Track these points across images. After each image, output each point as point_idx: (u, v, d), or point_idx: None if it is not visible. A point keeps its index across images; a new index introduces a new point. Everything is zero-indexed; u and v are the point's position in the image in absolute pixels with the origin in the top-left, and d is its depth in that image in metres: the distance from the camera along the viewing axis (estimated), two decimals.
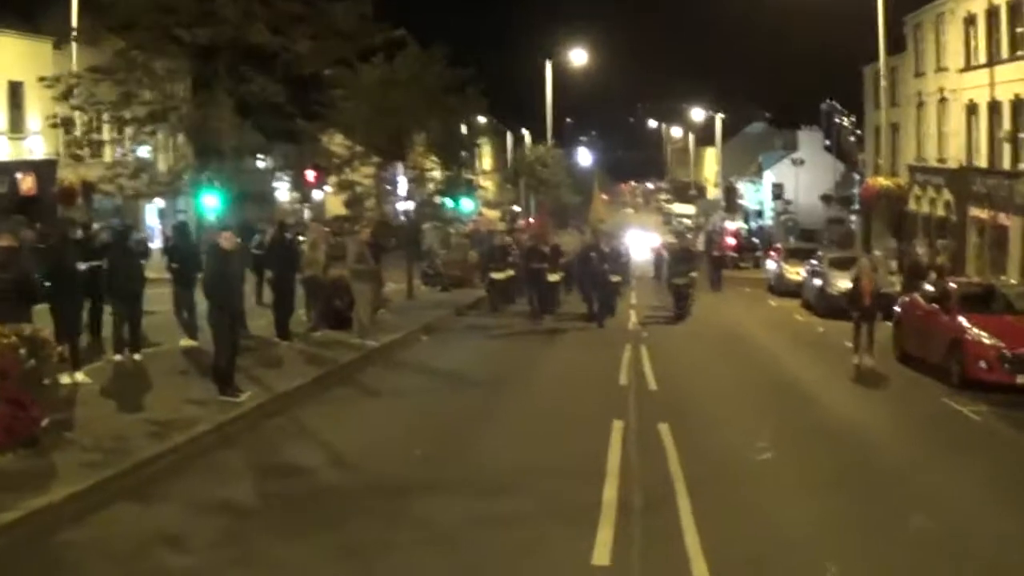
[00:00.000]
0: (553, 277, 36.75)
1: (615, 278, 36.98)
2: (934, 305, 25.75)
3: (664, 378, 23.51)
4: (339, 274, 28.46)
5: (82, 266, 21.39)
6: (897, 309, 28.08)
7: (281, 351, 24.74)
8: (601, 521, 12.46)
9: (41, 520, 12.07)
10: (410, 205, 44.92)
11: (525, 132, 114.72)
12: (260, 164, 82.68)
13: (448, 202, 57.91)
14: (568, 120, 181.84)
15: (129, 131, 26.74)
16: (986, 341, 22.68)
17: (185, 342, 24.23)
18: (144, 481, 13.98)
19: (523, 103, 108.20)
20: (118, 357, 22.02)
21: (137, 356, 22.33)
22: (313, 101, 27.50)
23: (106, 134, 30.28)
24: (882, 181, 49.60)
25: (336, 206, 66.29)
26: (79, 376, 19.50)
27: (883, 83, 49.33)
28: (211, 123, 25.21)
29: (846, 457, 16.74)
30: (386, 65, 36.35)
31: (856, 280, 26.51)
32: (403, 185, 43.30)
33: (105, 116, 26.57)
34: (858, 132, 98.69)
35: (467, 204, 68.42)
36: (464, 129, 49.38)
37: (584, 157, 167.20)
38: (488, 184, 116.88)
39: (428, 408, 20.04)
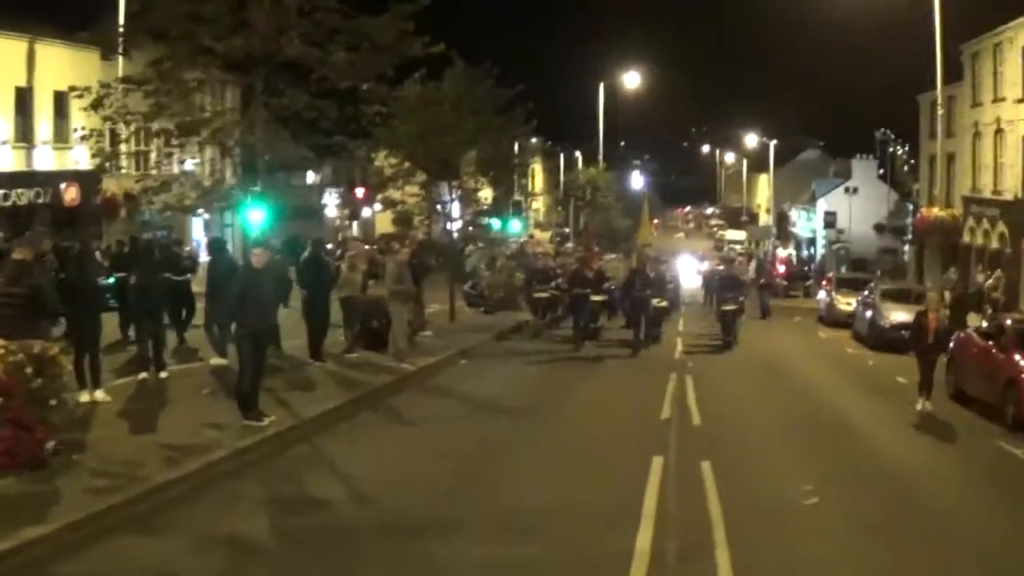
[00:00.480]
0: (596, 298, 35.79)
1: (660, 304, 36.03)
2: (989, 342, 24.65)
3: (708, 412, 22.54)
4: (378, 294, 27.77)
5: (110, 279, 20.87)
6: (950, 344, 26.96)
7: (313, 372, 24.08)
8: (632, 574, 11.58)
9: (35, 551, 11.42)
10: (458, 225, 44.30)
11: (577, 154, 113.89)
12: (309, 179, 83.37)
13: (495, 223, 57.51)
14: (622, 143, 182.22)
15: (159, 142, 26.02)
16: None
17: (215, 360, 23.67)
18: (150, 510, 13.27)
19: (576, 125, 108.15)
20: (143, 375, 21.50)
21: (163, 374, 21.87)
22: (356, 118, 26.68)
23: (145, 145, 29.69)
24: (936, 212, 48.69)
25: (385, 224, 66.00)
26: (98, 394, 18.94)
27: (939, 112, 48.45)
28: (247, 137, 24.50)
29: (897, 504, 15.72)
30: (433, 83, 35.74)
31: (921, 315, 24.93)
32: (454, 205, 42.44)
33: (133, 127, 25.74)
34: (912, 162, 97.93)
35: (515, 225, 67.86)
36: (515, 149, 48.59)
37: (636, 180, 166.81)
38: (539, 205, 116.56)
39: (459, 437, 19.20)
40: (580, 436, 19.86)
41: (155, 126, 24.89)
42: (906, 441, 20.93)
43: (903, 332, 35.73)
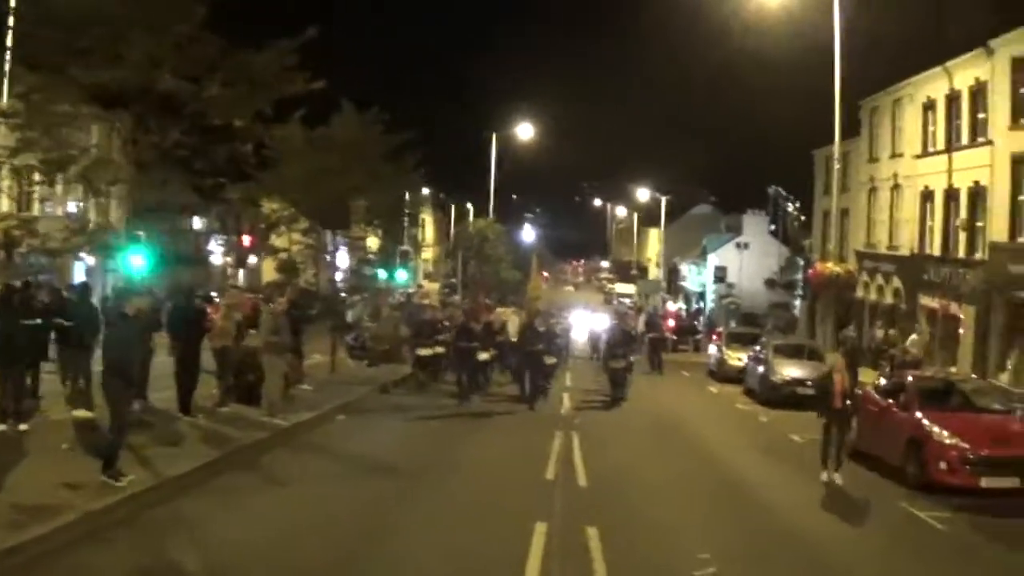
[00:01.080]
0: (483, 356, 34.72)
1: (549, 360, 35.00)
2: (889, 400, 23.95)
3: (596, 472, 21.46)
4: (254, 345, 26.45)
5: None
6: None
7: (182, 427, 22.62)
8: None
9: None
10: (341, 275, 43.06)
11: (469, 205, 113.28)
12: (196, 225, 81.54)
13: (381, 272, 56.19)
14: (513, 196, 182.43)
15: (27, 180, 24.54)
16: (947, 441, 20.90)
17: (79, 413, 22.16)
18: None
19: (468, 177, 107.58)
20: (1, 427, 20.40)
21: (23, 426, 20.65)
22: (234, 158, 25.46)
23: (12, 182, 28.08)
24: (831, 267, 48.21)
25: (272, 272, 64.49)
26: None
27: (836, 166, 48.18)
28: (118, 174, 23.13)
29: (798, 574, 14.82)
30: (321, 128, 34.65)
31: (825, 378, 23.34)
32: (339, 253, 41.18)
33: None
34: (802, 218, 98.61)
35: (402, 275, 66.48)
36: (405, 197, 47.53)
37: (528, 234, 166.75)
38: (429, 256, 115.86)
39: (330, 501, 17.87)
40: (461, 498, 18.68)
41: (16, 162, 23.42)
42: (807, 504, 19.87)
43: (796, 388, 35.75)
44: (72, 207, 59.10)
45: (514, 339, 36.64)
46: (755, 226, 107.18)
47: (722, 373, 47.99)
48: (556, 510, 17.58)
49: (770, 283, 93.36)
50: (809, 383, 36.05)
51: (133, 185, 23.20)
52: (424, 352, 36.48)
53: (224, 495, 17.72)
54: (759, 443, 28.16)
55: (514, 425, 29.35)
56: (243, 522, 16.04)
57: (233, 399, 26.05)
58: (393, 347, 42.26)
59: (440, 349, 36.19)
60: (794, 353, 40.00)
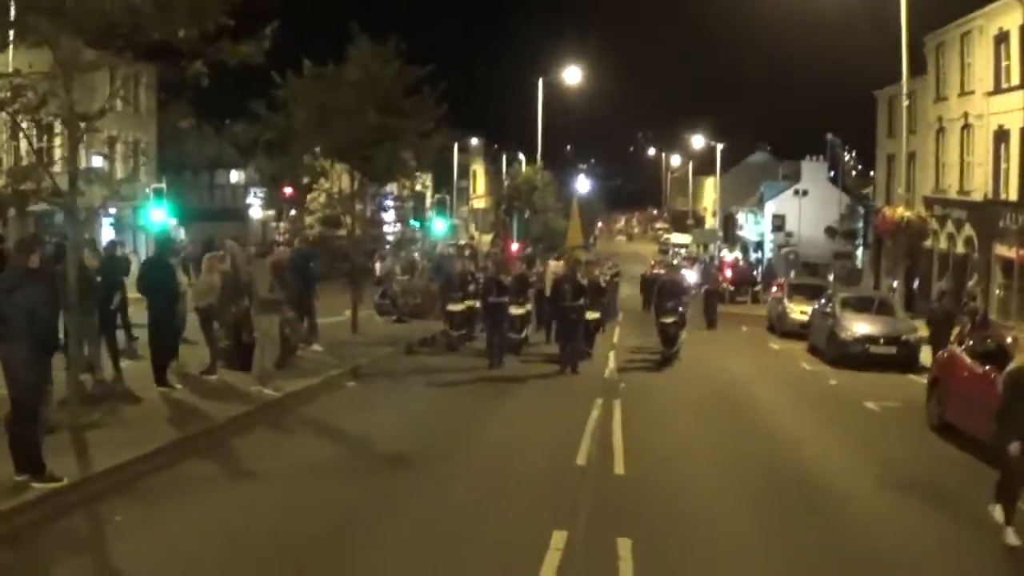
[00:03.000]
0: (517, 312, 31.22)
1: (592, 316, 31.37)
2: (986, 365, 19.92)
3: (636, 455, 17.78)
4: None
5: None
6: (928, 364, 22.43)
7: (151, 402, 19.25)
8: None
9: None
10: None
11: (521, 156, 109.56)
12: (233, 179, 78.67)
13: (414, 223, 52.95)
14: (568, 147, 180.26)
15: None
16: None
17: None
18: None
19: (521, 128, 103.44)
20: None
21: None
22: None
23: None
24: (901, 212, 44.35)
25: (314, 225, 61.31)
26: None
27: (904, 102, 44.16)
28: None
29: None
30: (333, 66, 31.11)
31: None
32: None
33: None
34: (859, 167, 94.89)
35: (439, 226, 62.81)
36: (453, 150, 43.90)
37: (583, 184, 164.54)
38: (481, 207, 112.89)
39: (306, 500, 14.35)
40: (468, 496, 14.97)
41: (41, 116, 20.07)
42: (894, 505, 15.68)
43: (868, 347, 32.18)
44: (97, 161, 56.52)
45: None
46: (814, 173, 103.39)
47: (783, 327, 44.36)
48: (582, 512, 13.98)
49: (830, 231, 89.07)
50: (882, 340, 32.75)
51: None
52: (454, 308, 33.01)
53: (163, 494, 14.20)
54: (829, 412, 24.47)
55: (548, 392, 25.65)
56: (171, 532, 12.60)
57: (236, 365, 22.90)
58: (425, 302, 38.86)
59: (473, 304, 32.59)
60: (864, 307, 36.21)
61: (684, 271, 50.09)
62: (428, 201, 71.88)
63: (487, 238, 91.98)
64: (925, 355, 31.83)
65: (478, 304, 31.83)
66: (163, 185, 56.56)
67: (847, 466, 18.20)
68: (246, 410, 19.39)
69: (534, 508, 14.13)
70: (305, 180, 37.73)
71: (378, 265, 43.76)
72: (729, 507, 14.99)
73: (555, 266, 37.93)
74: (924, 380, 24.83)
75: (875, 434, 21.37)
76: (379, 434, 19.03)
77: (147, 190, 56.42)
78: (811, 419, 23.44)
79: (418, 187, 58.81)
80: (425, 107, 31.76)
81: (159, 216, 53.90)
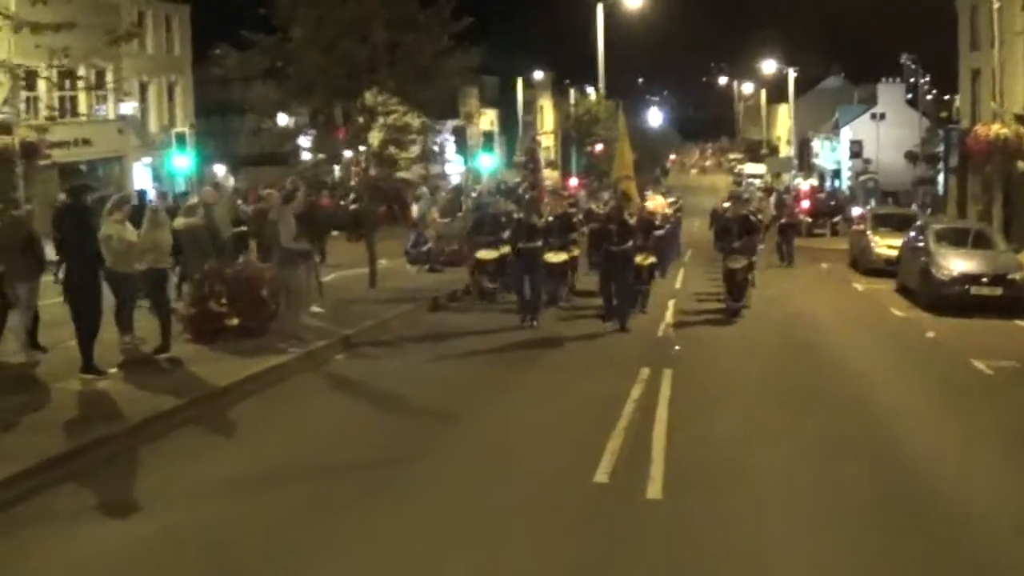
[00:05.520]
0: (555, 259, 26.37)
1: (646, 261, 26.63)
2: None
3: (682, 463, 12.83)
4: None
5: None
6: None
7: (61, 395, 15.16)
8: None
9: None
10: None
11: (590, 90, 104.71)
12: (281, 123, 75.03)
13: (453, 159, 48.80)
14: (640, 80, 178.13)
15: None
16: None
17: None
18: None
19: (592, 63, 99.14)
20: None
21: None
22: None
23: None
24: (996, 129, 39.30)
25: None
26: None
27: (996, 4, 38.99)
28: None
29: None
30: None
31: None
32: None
33: None
34: (934, 91, 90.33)
35: (486, 161, 57.71)
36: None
37: (655, 117, 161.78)
38: (549, 145, 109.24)
39: (195, 539, 10.05)
40: (429, 545, 10.17)
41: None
42: None
43: (970, 287, 27.61)
44: (127, 108, 52.89)
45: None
46: (891, 95, 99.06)
47: (867, 264, 39.78)
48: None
49: (911, 156, 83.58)
50: (985, 280, 27.91)
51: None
52: (485, 255, 28.46)
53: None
54: (933, 378, 19.54)
55: (582, 361, 20.69)
56: None
57: (203, 338, 19.29)
58: (463, 249, 34.31)
59: (507, 250, 27.74)
60: (959, 239, 31.23)
61: (756, 204, 44.91)
62: (494, 138, 68.44)
63: (555, 174, 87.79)
64: None
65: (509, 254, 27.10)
66: (186, 130, 52.67)
67: (969, 466, 13.32)
68: (174, 405, 14.88)
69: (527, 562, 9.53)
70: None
71: (415, 207, 39.27)
72: (806, 542, 10.27)
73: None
74: None
75: (996, 413, 16.53)
76: (347, 432, 14.65)
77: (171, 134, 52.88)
78: (914, 392, 18.34)
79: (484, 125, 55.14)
80: (441, 20, 27.60)
81: (183, 163, 50.30)
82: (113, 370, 16.61)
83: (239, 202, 35.30)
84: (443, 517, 10.87)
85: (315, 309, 23.29)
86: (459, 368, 19.81)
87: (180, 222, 21.16)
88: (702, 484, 12.25)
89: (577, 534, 10.40)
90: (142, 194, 39.33)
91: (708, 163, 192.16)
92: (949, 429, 15.43)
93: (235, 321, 19.63)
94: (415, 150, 30.32)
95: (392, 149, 29.44)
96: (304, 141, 31.48)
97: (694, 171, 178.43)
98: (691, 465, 12.96)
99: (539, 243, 25.01)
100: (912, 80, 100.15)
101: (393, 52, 27.81)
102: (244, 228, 26.01)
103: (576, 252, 28.73)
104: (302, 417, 15.50)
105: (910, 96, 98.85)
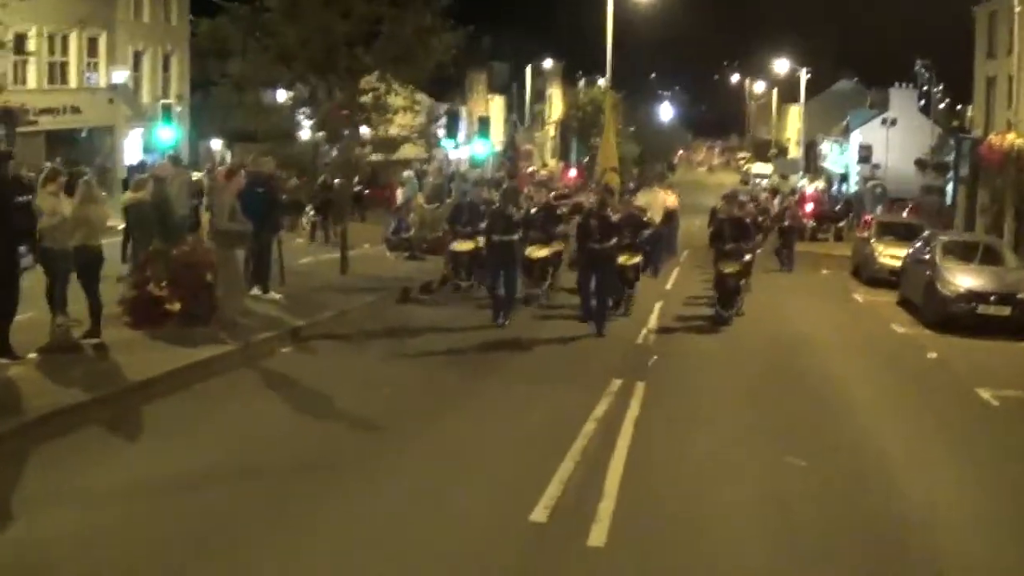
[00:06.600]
0: (537, 253, 24.93)
1: (630, 261, 24.98)
2: None
3: (635, 502, 11.06)
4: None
5: None
6: None
7: None
8: None
9: None
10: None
11: (600, 81, 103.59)
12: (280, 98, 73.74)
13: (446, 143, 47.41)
14: (652, 76, 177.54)
15: None
16: None
17: None
18: None
19: (603, 54, 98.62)
20: None
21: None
22: None
23: None
24: (1012, 139, 37.83)
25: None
26: None
27: (1017, 8, 37.48)
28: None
29: None
30: None
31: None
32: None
33: None
34: (947, 100, 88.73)
35: (479, 148, 56.16)
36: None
37: (666, 111, 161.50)
38: (554, 133, 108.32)
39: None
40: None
41: None
42: None
43: (976, 305, 25.89)
44: (119, 77, 51.53)
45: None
46: (903, 101, 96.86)
47: (869, 272, 38.07)
48: None
49: (920, 164, 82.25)
50: (993, 298, 26.15)
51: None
52: (461, 247, 26.77)
53: None
54: (935, 408, 17.66)
55: (551, 367, 19.15)
56: None
57: (144, 323, 17.89)
58: (446, 236, 32.81)
59: (483, 242, 26.05)
60: (968, 254, 29.46)
61: (754, 205, 43.13)
62: (501, 126, 67.18)
63: (556, 164, 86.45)
64: None
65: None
66: (172, 101, 51.37)
67: (979, 529, 11.55)
68: (81, 400, 13.26)
69: None
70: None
71: (399, 192, 37.79)
72: None
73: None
74: None
75: (1005, 450, 14.82)
76: (248, 443, 12.93)
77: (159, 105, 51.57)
78: (910, 422, 16.56)
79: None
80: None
81: (167, 136, 48.89)
82: (32, 355, 15.18)
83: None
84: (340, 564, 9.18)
85: (274, 296, 21.92)
86: (410, 371, 17.99)
87: (126, 197, 19.92)
88: (652, 531, 10.48)
89: None
90: (142, 164, 38.99)
91: (716, 161, 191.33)
92: (947, 474, 13.63)
93: (176, 306, 18.19)
94: (394, 131, 28.82)
95: (367, 130, 28.12)
96: (304, 121, 29.86)
97: (702, 169, 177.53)
98: (645, 502, 11.24)
99: (515, 236, 23.34)
100: (925, 87, 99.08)
101: (375, 28, 26.37)
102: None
103: (561, 247, 27.11)
104: (219, 419, 13.84)
105: (922, 103, 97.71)
